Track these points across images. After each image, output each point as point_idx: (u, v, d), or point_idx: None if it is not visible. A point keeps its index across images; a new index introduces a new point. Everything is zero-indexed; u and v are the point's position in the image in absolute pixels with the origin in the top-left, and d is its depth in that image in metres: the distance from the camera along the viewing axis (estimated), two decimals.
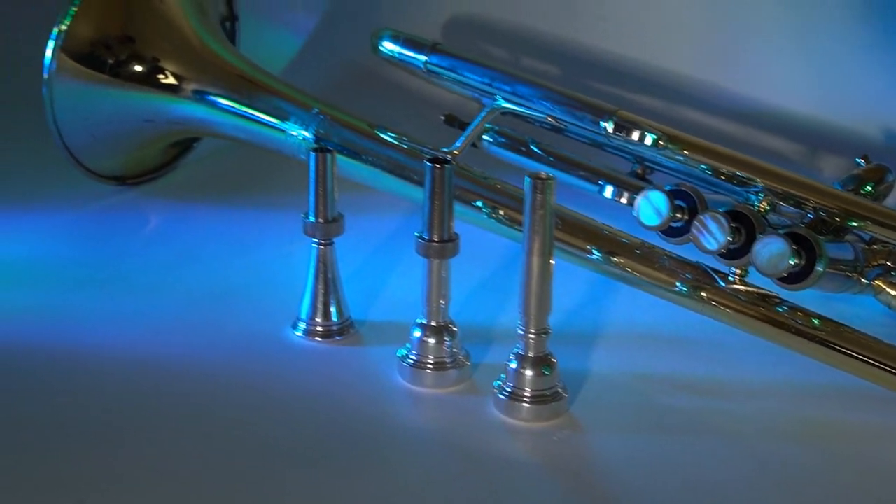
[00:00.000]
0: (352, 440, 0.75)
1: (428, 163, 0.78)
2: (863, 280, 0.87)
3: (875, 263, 0.88)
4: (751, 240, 0.80)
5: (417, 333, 0.81)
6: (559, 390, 0.78)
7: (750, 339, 0.83)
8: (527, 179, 0.74)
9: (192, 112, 1.07)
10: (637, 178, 0.97)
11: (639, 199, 0.82)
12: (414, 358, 0.82)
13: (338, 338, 0.88)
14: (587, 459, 0.74)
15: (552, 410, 0.77)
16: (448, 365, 0.81)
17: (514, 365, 0.77)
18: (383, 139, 0.97)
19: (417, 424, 0.78)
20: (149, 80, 1.06)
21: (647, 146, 0.87)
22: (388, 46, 1.03)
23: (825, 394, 0.81)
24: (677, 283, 0.84)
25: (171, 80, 1.06)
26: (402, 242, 1.04)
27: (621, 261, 0.86)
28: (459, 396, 0.81)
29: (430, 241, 0.80)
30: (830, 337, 0.80)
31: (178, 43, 1.07)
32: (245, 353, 0.85)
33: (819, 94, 1.21)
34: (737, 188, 0.85)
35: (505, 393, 0.78)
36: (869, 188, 0.94)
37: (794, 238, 0.78)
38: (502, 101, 0.94)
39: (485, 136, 1.04)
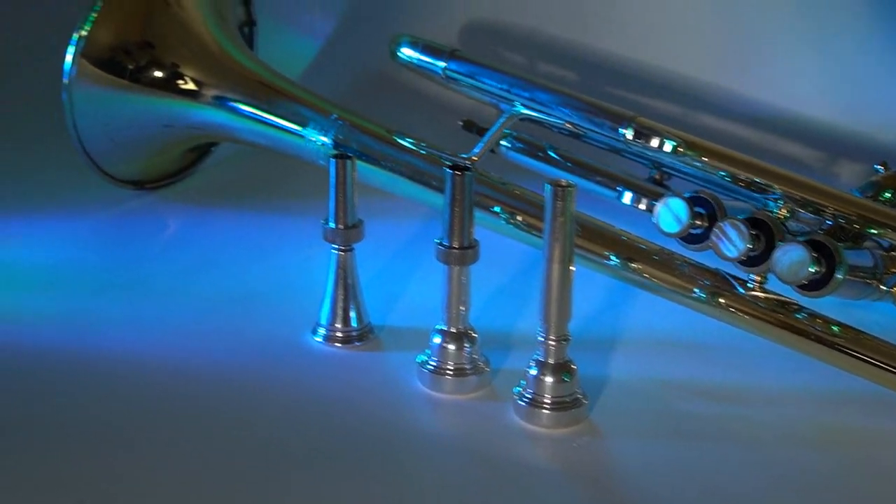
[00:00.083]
0: (371, 446, 0.75)
1: (448, 170, 0.78)
2: (882, 287, 0.87)
3: (894, 270, 0.88)
4: (770, 247, 0.80)
5: (437, 339, 0.82)
6: (579, 397, 0.78)
7: (769, 345, 0.82)
8: (547, 187, 0.74)
9: (212, 117, 1.07)
10: (655, 184, 0.97)
11: (658, 207, 0.82)
12: (434, 364, 0.82)
13: (357, 343, 0.88)
14: (607, 466, 0.74)
15: (572, 417, 0.78)
16: (468, 371, 0.82)
17: (534, 371, 0.78)
18: (402, 145, 0.97)
19: (437, 430, 0.78)
20: (168, 85, 1.06)
21: (665, 153, 0.87)
22: (406, 52, 1.03)
23: (844, 400, 0.81)
24: (695, 290, 0.84)
25: (191, 86, 1.06)
26: (421, 247, 1.04)
27: (639, 267, 0.86)
28: (479, 402, 0.81)
29: (451, 247, 0.80)
30: (850, 344, 0.79)
31: (198, 49, 1.07)
32: (264, 358, 0.86)
33: (837, 99, 1.21)
34: (755, 195, 0.85)
35: (525, 399, 0.78)
36: (888, 195, 0.94)
37: (813, 245, 0.78)
38: (521, 107, 0.94)
39: (503, 142, 1.04)
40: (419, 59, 1.02)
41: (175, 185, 1.17)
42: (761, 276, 0.81)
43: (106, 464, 0.73)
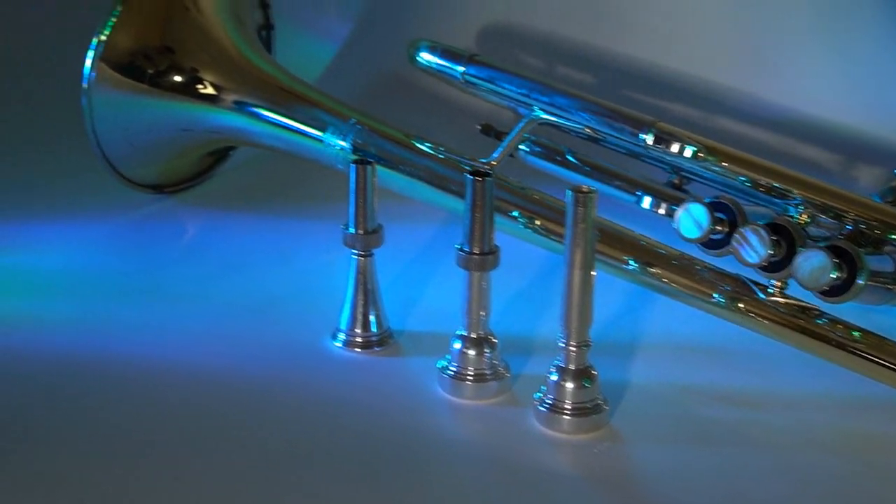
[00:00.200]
0: (391, 451, 0.75)
1: (469, 176, 0.78)
2: None
3: None
4: (791, 252, 0.80)
5: (457, 345, 0.82)
6: (600, 402, 0.78)
7: (789, 350, 0.82)
8: (568, 193, 0.74)
9: (231, 122, 1.07)
10: (674, 189, 0.97)
11: (679, 212, 0.82)
12: (454, 369, 0.82)
13: (377, 349, 0.88)
14: (627, 472, 0.74)
15: (593, 423, 0.78)
16: (488, 376, 0.82)
17: (554, 377, 0.77)
18: (420, 149, 0.97)
19: (457, 436, 0.78)
20: (188, 90, 1.07)
21: (685, 158, 0.86)
22: (425, 57, 1.03)
23: (865, 406, 0.81)
24: (715, 295, 0.83)
25: (210, 91, 1.07)
26: (439, 252, 1.04)
27: (659, 271, 0.86)
28: (499, 408, 0.81)
29: (471, 253, 0.80)
30: (871, 349, 0.79)
31: (217, 53, 1.08)
32: (284, 363, 0.86)
33: (856, 103, 1.20)
34: (776, 200, 0.85)
35: (545, 405, 0.78)
36: None
37: (834, 251, 0.78)
38: (540, 111, 0.94)
39: (521, 146, 1.04)
40: (438, 64, 1.02)
41: (193, 189, 1.17)
42: (782, 282, 0.81)
43: (127, 470, 0.73)
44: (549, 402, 0.78)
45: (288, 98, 1.05)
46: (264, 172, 1.22)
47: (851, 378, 0.81)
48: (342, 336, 0.88)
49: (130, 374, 0.84)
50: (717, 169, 0.86)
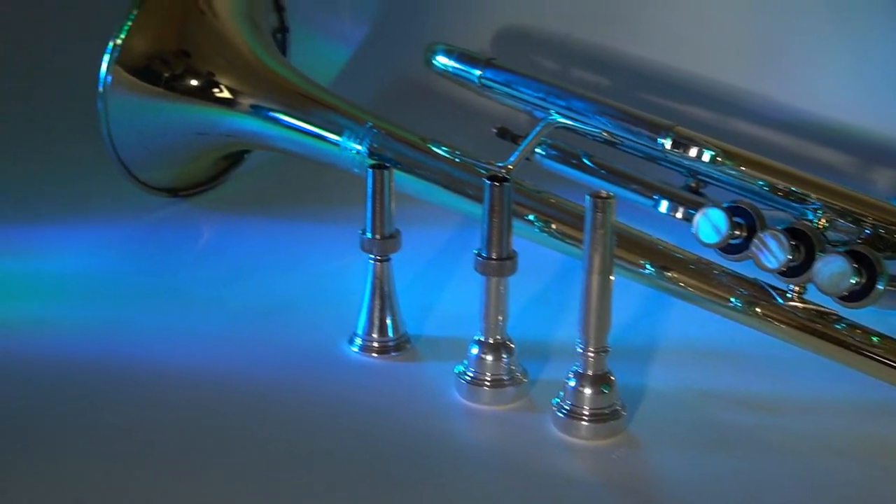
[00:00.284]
0: (408, 457, 0.75)
1: (487, 180, 0.78)
2: None
3: None
4: (810, 257, 0.79)
5: (475, 350, 0.82)
6: (618, 408, 0.78)
7: (806, 355, 0.82)
8: (587, 198, 0.74)
9: (247, 125, 1.07)
10: (690, 192, 0.97)
11: (697, 217, 0.82)
12: (471, 375, 0.82)
13: (394, 353, 0.88)
14: (646, 478, 0.74)
15: (611, 428, 0.77)
16: (505, 382, 0.81)
17: (572, 383, 0.77)
18: (437, 153, 0.97)
19: (475, 441, 0.78)
20: (204, 94, 1.07)
21: (704, 162, 0.86)
22: (441, 61, 1.03)
23: (884, 411, 0.81)
24: (732, 299, 0.83)
25: (226, 94, 1.07)
26: (455, 255, 1.04)
27: (675, 276, 0.85)
28: (517, 413, 0.81)
29: (489, 258, 0.80)
30: (889, 354, 0.79)
31: (233, 57, 1.08)
32: (300, 368, 0.86)
33: (873, 104, 1.20)
34: (794, 204, 0.84)
35: (563, 411, 0.78)
36: None
37: (854, 256, 0.78)
38: (557, 115, 0.94)
39: (537, 149, 1.03)
40: (454, 68, 1.02)
41: (208, 192, 1.17)
42: (800, 287, 0.81)
43: (140, 475, 0.73)
44: (567, 407, 0.78)
45: (304, 102, 1.05)
46: (279, 176, 1.22)
47: (869, 383, 0.80)
48: (359, 341, 0.88)
49: (145, 378, 0.84)
50: (734, 173, 0.86)
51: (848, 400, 0.82)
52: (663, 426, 0.79)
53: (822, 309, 0.81)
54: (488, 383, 0.81)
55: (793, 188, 0.84)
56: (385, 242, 0.86)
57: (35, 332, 0.90)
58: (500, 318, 0.81)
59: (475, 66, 1.00)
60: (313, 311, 0.94)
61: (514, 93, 0.97)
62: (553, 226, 0.91)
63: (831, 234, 0.83)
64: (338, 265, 1.02)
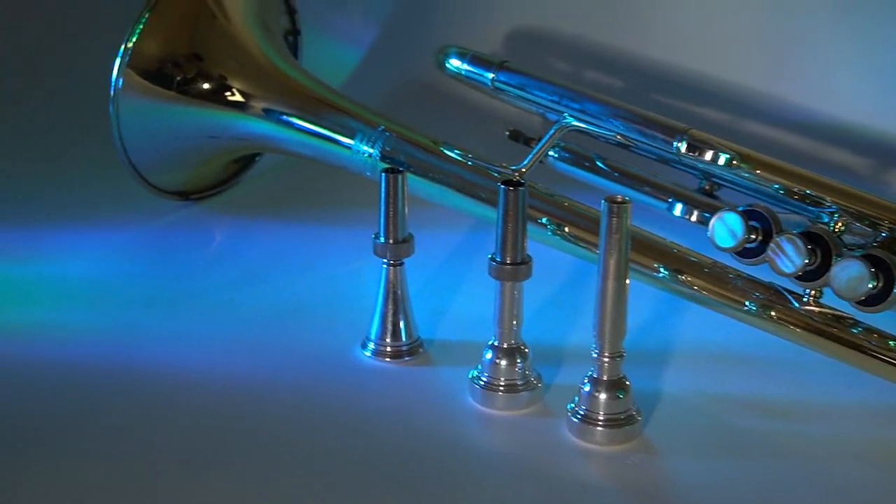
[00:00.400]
0: (422, 462, 0.75)
1: (501, 185, 0.78)
2: None
3: None
4: (826, 261, 0.79)
5: (489, 355, 0.81)
6: (633, 413, 0.78)
7: (822, 359, 0.82)
8: (603, 203, 0.73)
9: (259, 129, 1.07)
10: (704, 195, 0.96)
11: (713, 221, 0.82)
12: (485, 380, 0.81)
13: (407, 358, 0.87)
14: (661, 483, 0.74)
15: (626, 434, 0.77)
16: (520, 387, 0.81)
17: (587, 388, 0.77)
18: (449, 156, 0.97)
19: (489, 447, 0.77)
20: (216, 97, 1.06)
21: (719, 165, 0.86)
22: (454, 63, 1.03)
23: None
24: (749, 304, 0.83)
25: (238, 98, 1.06)
26: (468, 259, 1.04)
27: (690, 279, 0.85)
28: (531, 419, 0.80)
29: (503, 263, 0.79)
30: None
31: (246, 61, 1.07)
32: (313, 373, 0.85)
33: (888, 105, 1.19)
34: (809, 207, 0.84)
35: (578, 416, 0.77)
36: None
37: (871, 260, 0.77)
38: (571, 118, 0.93)
39: (550, 152, 1.03)
40: (467, 71, 1.02)
41: (220, 196, 1.17)
42: (817, 291, 0.81)
43: (153, 481, 0.73)
44: (582, 412, 0.77)
45: (316, 105, 1.05)
46: (291, 179, 1.21)
47: (886, 387, 0.80)
48: (372, 345, 0.88)
49: (156, 382, 0.84)
50: (750, 176, 0.85)
51: (864, 404, 0.82)
52: (678, 431, 0.79)
53: (839, 313, 0.81)
54: (502, 388, 0.81)
55: (808, 191, 0.83)
56: (398, 247, 0.86)
57: (46, 337, 0.90)
58: (515, 322, 0.81)
59: (488, 69, 1.00)
60: (326, 316, 0.94)
61: (528, 96, 0.97)
62: (566, 229, 0.90)
63: (847, 238, 0.83)
64: (350, 269, 1.02)
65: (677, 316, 0.93)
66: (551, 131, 0.94)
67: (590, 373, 0.77)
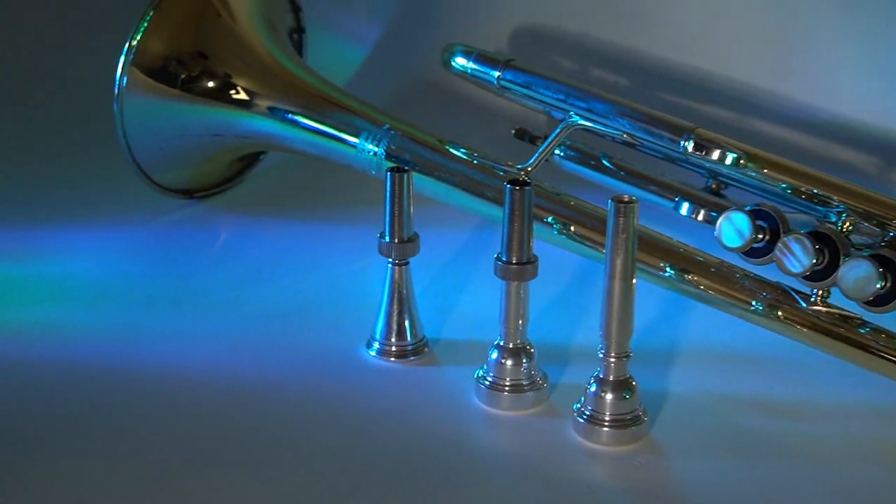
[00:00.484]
0: (427, 462, 0.75)
1: (508, 185, 0.77)
2: None
3: None
4: (834, 261, 0.79)
5: (494, 355, 0.81)
6: (639, 414, 0.77)
7: (829, 359, 0.81)
8: (610, 203, 0.73)
9: (264, 127, 1.07)
10: (711, 194, 0.96)
11: (720, 221, 0.81)
12: (491, 379, 0.81)
13: (412, 358, 0.87)
14: (667, 484, 0.74)
15: (632, 435, 0.77)
16: (525, 387, 0.81)
17: (593, 388, 0.77)
18: (455, 155, 0.97)
19: (494, 447, 0.77)
20: (220, 95, 1.06)
21: (726, 165, 0.85)
22: (460, 62, 1.02)
23: None
24: (754, 303, 0.83)
25: (243, 96, 1.06)
26: (473, 258, 1.04)
27: (696, 279, 0.85)
28: (536, 419, 0.80)
29: (509, 263, 0.79)
30: None
31: (251, 59, 1.07)
32: (318, 373, 0.85)
33: (893, 104, 1.19)
34: (817, 207, 0.84)
35: (584, 416, 0.77)
36: None
37: (879, 260, 0.77)
38: (577, 117, 0.93)
39: (556, 151, 1.03)
40: (473, 69, 1.01)
41: (224, 194, 1.17)
42: (824, 291, 0.80)
43: (157, 480, 0.72)
44: (588, 413, 0.77)
45: (322, 104, 1.05)
46: (296, 177, 1.21)
47: (893, 388, 0.80)
48: (376, 345, 0.87)
49: (160, 381, 0.84)
50: (757, 175, 0.85)
51: (871, 405, 0.82)
52: (685, 432, 0.78)
53: (846, 313, 0.80)
54: (508, 388, 0.81)
55: (816, 191, 0.83)
56: (403, 246, 0.85)
57: (48, 336, 0.89)
58: (520, 322, 0.80)
59: (494, 68, 0.99)
60: (331, 315, 0.94)
61: (534, 94, 0.97)
62: (572, 228, 0.90)
63: (855, 238, 0.83)
64: (355, 268, 1.02)
65: (684, 316, 0.93)
66: (557, 130, 0.94)
67: (596, 373, 0.77)
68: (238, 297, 0.97)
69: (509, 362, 0.80)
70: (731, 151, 0.85)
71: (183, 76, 1.05)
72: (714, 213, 0.93)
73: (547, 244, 0.90)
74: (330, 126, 1.03)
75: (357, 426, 0.78)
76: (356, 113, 1.03)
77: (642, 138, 0.90)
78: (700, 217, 0.94)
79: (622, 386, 0.76)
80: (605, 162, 1.02)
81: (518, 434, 0.78)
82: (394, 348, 0.87)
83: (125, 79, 1.02)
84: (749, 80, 1.23)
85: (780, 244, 0.79)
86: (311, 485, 0.72)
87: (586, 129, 0.93)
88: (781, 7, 1.24)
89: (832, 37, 1.22)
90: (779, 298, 0.82)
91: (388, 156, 0.99)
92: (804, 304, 0.81)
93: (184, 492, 0.71)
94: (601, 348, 0.76)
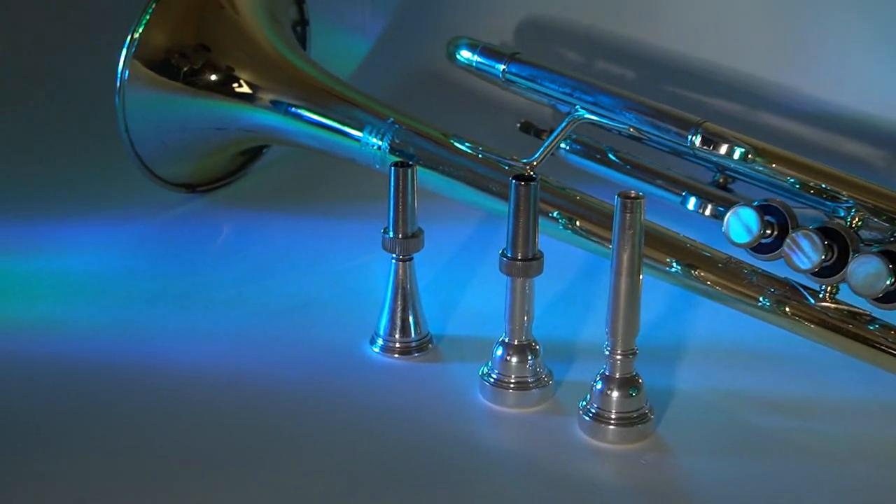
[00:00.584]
0: (430, 460, 0.74)
1: (513, 180, 0.77)
2: None
3: None
4: (843, 257, 0.78)
5: (499, 352, 0.80)
6: (646, 412, 0.77)
7: (837, 356, 0.81)
8: (616, 198, 0.72)
9: (267, 121, 1.06)
10: (718, 188, 0.95)
11: (728, 216, 0.80)
12: (495, 376, 0.80)
13: (416, 354, 0.87)
14: (674, 482, 0.73)
15: (638, 433, 0.76)
16: (530, 384, 0.80)
17: (599, 386, 0.76)
18: (459, 149, 0.96)
19: (498, 445, 0.77)
20: (223, 88, 1.06)
21: (733, 159, 0.85)
22: (465, 55, 1.01)
23: None
24: (764, 299, 0.82)
25: (246, 90, 1.06)
26: (478, 253, 1.03)
27: (703, 274, 0.84)
28: (542, 416, 0.79)
29: (514, 259, 0.78)
30: None
31: (254, 52, 1.07)
32: (321, 369, 0.85)
33: None
34: (826, 202, 0.83)
35: (590, 414, 0.76)
36: None
37: (889, 256, 0.76)
38: (583, 111, 0.92)
39: (561, 144, 1.02)
40: (478, 62, 1.00)
41: (227, 189, 1.16)
42: (833, 287, 0.80)
43: (159, 477, 0.72)
44: (594, 411, 0.76)
45: (325, 97, 1.04)
46: (299, 172, 1.21)
47: None
48: (380, 341, 0.87)
49: (163, 378, 0.83)
50: (765, 170, 0.84)
51: (880, 402, 0.81)
52: (692, 429, 0.78)
53: (855, 309, 0.80)
54: (513, 385, 0.80)
55: (825, 186, 0.82)
56: (408, 242, 0.85)
57: (50, 332, 0.89)
58: (526, 319, 0.80)
59: (499, 61, 0.99)
60: (334, 311, 0.93)
61: (539, 88, 0.96)
62: (578, 223, 0.90)
63: (865, 234, 0.82)
64: (359, 263, 1.01)
65: (690, 312, 0.92)
66: (563, 124, 0.93)
67: (602, 370, 0.76)
68: (241, 292, 0.96)
69: (514, 359, 0.80)
70: (739, 146, 0.84)
71: (185, 69, 1.05)
72: (721, 208, 0.92)
73: (552, 239, 0.90)
74: (333, 120, 1.03)
75: (360, 423, 0.78)
76: (360, 106, 1.02)
77: (649, 132, 0.89)
78: (707, 212, 0.94)
79: (628, 383, 0.76)
80: (611, 156, 1.01)
81: (523, 432, 0.78)
82: (398, 345, 0.86)
83: (127, 72, 1.01)
84: (756, 72, 1.23)
85: (788, 240, 0.78)
86: (314, 481, 0.72)
87: (592, 123, 0.92)
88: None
89: (840, 29, 1.21)
90: (787, 294, 0.81)
91: (392, 150, 0.99)
92: (812, 301, 0.80)
93: (186, 489, 0.71)
94: (607, 345, 0.75)
